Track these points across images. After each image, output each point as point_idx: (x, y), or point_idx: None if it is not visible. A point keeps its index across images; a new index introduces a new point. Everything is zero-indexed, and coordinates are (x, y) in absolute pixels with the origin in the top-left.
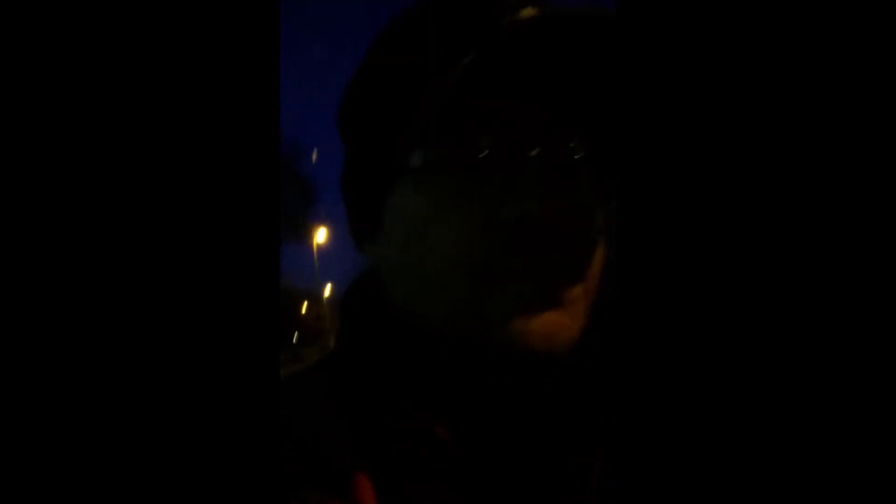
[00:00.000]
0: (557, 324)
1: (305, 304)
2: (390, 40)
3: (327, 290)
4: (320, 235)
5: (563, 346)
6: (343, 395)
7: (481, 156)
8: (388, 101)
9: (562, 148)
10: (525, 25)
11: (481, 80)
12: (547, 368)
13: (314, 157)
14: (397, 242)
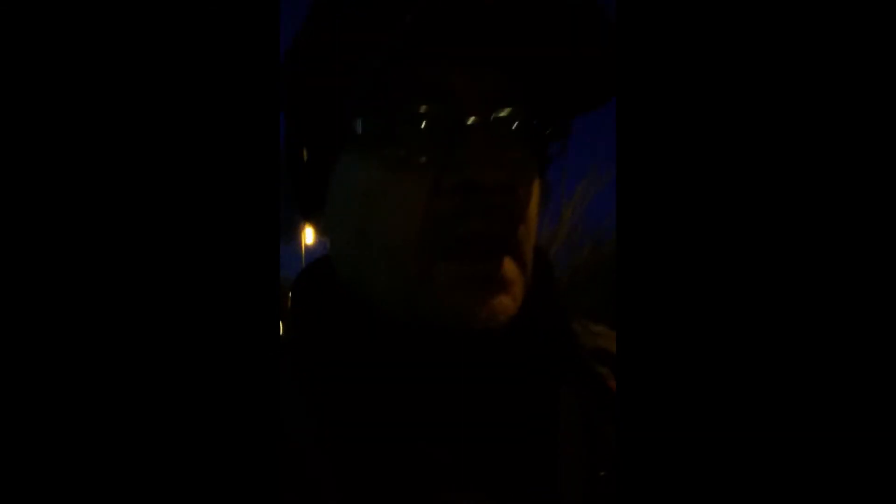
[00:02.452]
0: (500, 300)
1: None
2: (329, 6)
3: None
4: (308, 236)
5: (503, 322)
6: (298, 377)
7: (422, 123)
8: (326, 69)
9: (501, 115)
10: None
11: (419, 46)
12: (488, 344)
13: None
14: (342, 214)
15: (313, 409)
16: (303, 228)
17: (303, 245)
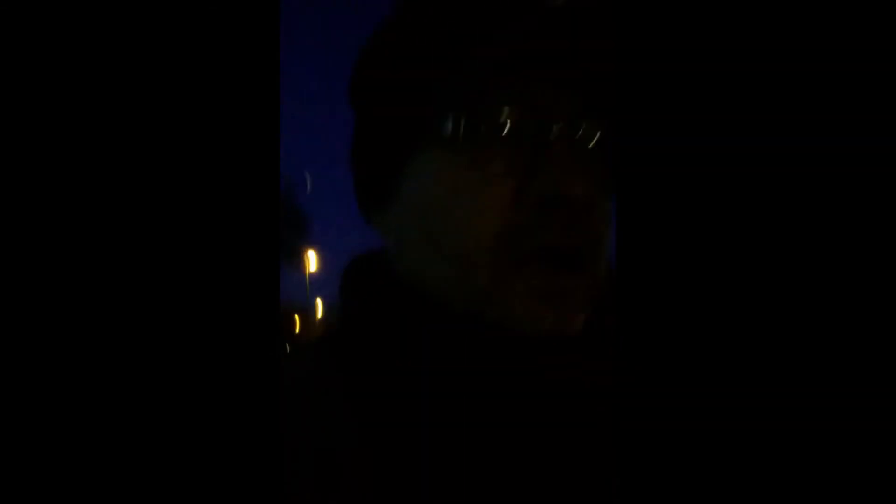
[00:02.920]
0: (570, 314)
1: (297, 318)
2: (418, 3)
3: (319, 308)
4: (312, 262)
5: (571, 334)
6: (349, 370)
7: (511, 131)
8: (414, 68)
9: (585, 131)
10: (562, 11)
11: (516, 59)
12: (555, 354)
13: (308, 185)
14: (412, 215)
15: (357, 408)
16: (306, 253)
17: (307, 272)
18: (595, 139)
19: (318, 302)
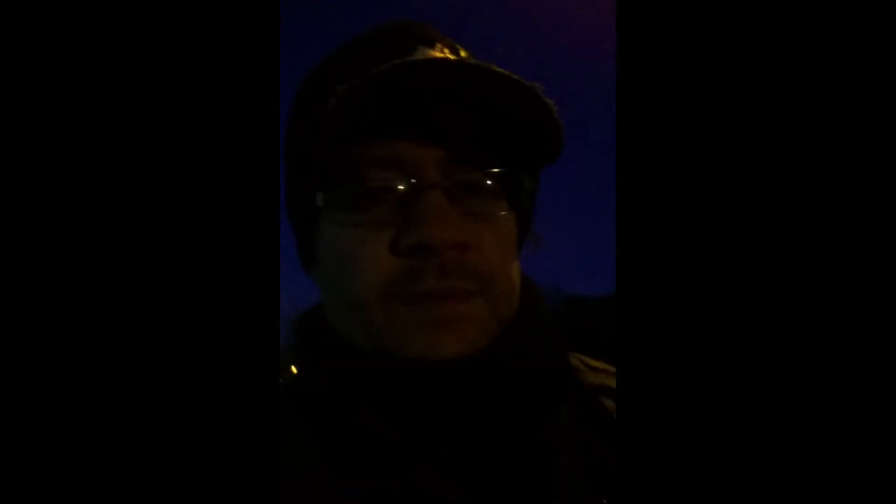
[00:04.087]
0: (463, 338)
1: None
2: (302, 90)
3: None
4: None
5: (470, 355)
6: (303, 407)
7: (376, 191)
8: (300, 140)
9: (455, 178)
10: (408, 67)
11: (366, 121)
12: (458, 375)
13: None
14: (324, 270)
15: (315, 434)
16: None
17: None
18: (470, 180)
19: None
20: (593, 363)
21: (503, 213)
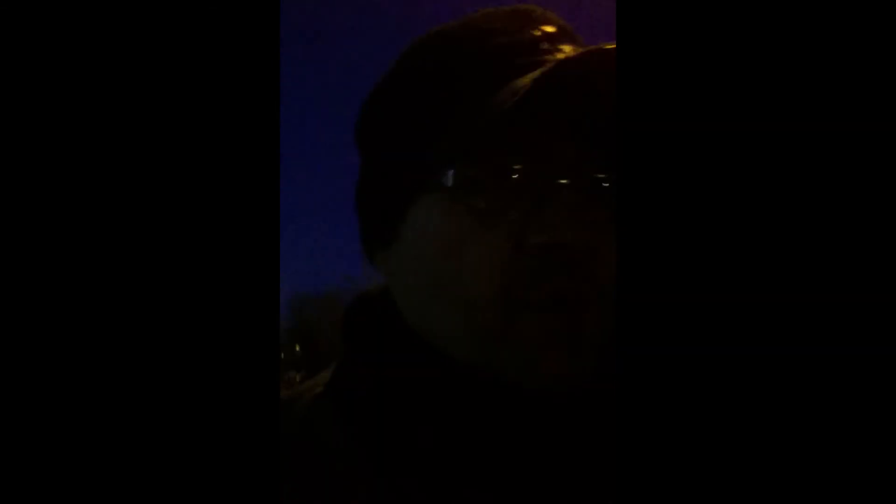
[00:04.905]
0: (579, 356)
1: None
2: (425, 50)
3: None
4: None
5: (573, 385)
6: (352, 414)
7: (512, 179)
8: (417, 114)
9: (590, 179)
10: (567, 64)
11: (521, 110)
12: (554, 407)
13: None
14: (415, 259)
15: (357, 448)
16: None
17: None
18: (602, 185)
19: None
20: None
21: (613, 219)
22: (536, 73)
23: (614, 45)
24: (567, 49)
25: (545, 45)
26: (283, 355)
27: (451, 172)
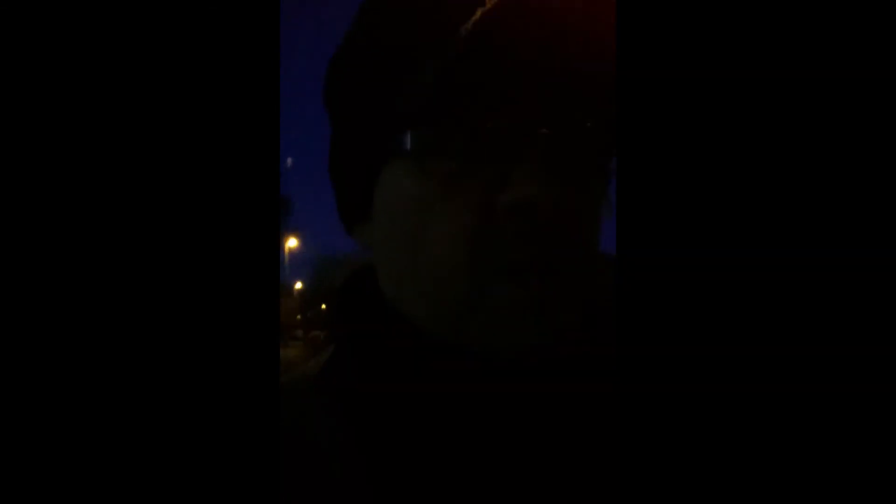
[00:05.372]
0: (554, 324)
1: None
2: (377, 10)
3: (297, 286)
4: (291, 242)
5: (552, 356)
6: (343, 397)
7: (474, 137)
8: (375, 76)
9: (565, 128)
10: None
11: (478, 58)
12: (537, 378)
13: (289, 163)
14: (386, 229)
15: (350, 428)
16: (286, 238)
17: (286, 251)
18: (581, 137)
19: (298, 283)
20: None
21: (595, 171)
22: (487, 7)
23: None
24: None
25: None
26: (308, 314)
27: (409, 135)
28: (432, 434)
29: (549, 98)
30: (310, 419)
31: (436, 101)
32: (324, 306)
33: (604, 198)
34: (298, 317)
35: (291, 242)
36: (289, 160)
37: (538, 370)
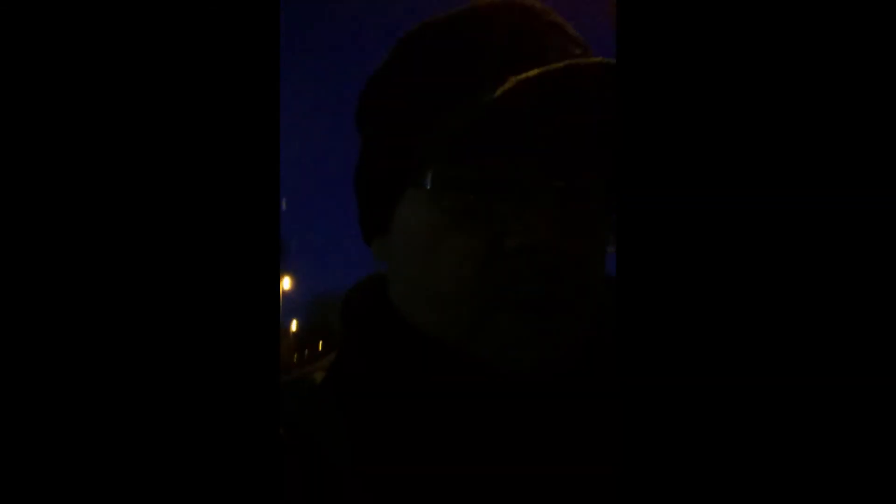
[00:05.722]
0: (554, 354)
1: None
2: (419, 40)
3: (293, 327)
4: (286, 283)
5: (555, 373)
6: (347, 399)
7: (491, 180)
8: (407, 108)
9: (572, 183)
10: (552, 74)
11: (505, 114)
12: (540, 393)
13: (283, 205)
14: (401, 249)
15: (353, 430)
16: (281, 278)
17: (280, 291)
18: (587, 189)
19: (294, 322)
20: None
21: (599, 220)
22: (523, 76)
23: (603, 60)
24: (562, 48)
25: (539, 43)
26: (305, 353)
27: (431, 172)
28: (435, 437)
29: (564, 155)
30: (311, 420)
31: (460, 143)
32: (321, 345)
33: (607, 242)
34: (295, 357)
35: (286, 284)
36: (283, 202)
37: (541, 385)
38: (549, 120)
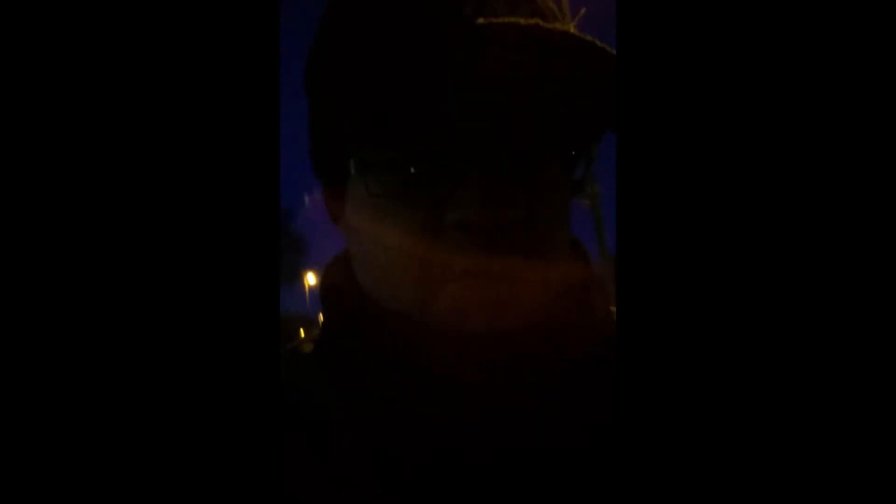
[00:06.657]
0: (506, 316)
1: (301, 329)
2: (344, 17)
3: (321, 318)
4: (311, 279)
5: (507, 327)
6: (331, 365)
7: (424, 160)
8: (336, 83)
9: (513, 156)
10: (489, 31)
11: (435, 82)
12: (497, 347)
13: (307, 203)
14: (356, 228)
15: (340, 392)
16: (306, 274)
17: (307, 287)
18: (530, 154)
19: (321, 314)
20: None
21: (557, 187)
22: (464, 38)
23: (567, 30)
24: (517, 11)
25: (487, 9)
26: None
27: (363, 146)
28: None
29: (498, 126)
30: (302, 386)
31: (382, 124)
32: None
33: (563, 209)
34: None
35: (310, 279)
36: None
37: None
38: (484, 90)
